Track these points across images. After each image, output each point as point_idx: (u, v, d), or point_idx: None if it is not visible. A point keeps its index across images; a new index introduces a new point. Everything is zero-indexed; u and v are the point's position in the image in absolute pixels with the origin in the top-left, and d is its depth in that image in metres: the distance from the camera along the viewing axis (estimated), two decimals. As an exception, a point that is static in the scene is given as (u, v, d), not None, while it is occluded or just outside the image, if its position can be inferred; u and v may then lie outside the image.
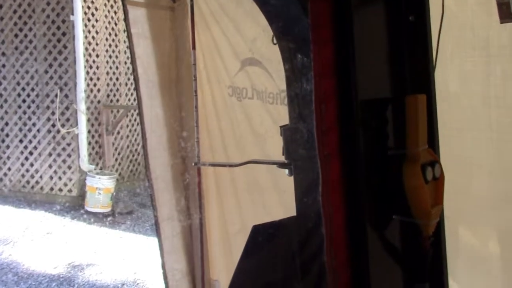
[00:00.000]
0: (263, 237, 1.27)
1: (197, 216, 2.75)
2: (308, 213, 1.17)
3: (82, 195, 7.91)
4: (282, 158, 1.43)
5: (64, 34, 7.81)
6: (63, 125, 7.90)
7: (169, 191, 3.38)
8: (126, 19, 3.12)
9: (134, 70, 3.21)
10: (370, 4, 1.25)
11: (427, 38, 1.34)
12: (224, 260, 3.27)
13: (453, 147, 1.86)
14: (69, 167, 7.99)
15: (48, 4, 7.84)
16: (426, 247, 1.21)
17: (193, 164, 2.47)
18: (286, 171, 1.28)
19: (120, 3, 7.72)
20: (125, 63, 8.72)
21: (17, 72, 8.15)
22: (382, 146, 1.26)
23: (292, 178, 1.26)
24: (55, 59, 7.89)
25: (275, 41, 2.94)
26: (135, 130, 9.00)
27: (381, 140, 1.24)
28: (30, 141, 8.17)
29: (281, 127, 1.25)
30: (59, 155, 8.01)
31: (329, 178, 1.16)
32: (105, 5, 8.42)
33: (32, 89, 8.08)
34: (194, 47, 2.60)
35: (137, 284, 5.92)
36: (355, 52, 1.20)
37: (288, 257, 1.37)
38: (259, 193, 2.95)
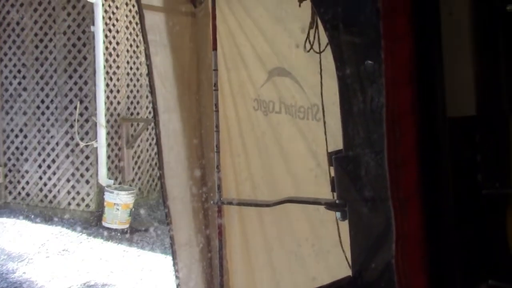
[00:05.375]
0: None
1: (217, 245, 2.42)
2: (370, 275, 0.83)
3: (100, 211, 7.66)
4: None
5: (84, 45, 7.63)
6: (82, 138, 7.69)
7: (187, 214, 3.06)
8: (142, 25, 2.84)
9: (151, 81, 2.93)
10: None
11: (531, 34, 0.98)
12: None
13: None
14: (87, 182, 7.75)
15: (69, 14, 7.68)
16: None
17: (212, 202, 2.11)
18: (338, 214, 0.95)
19: (141, 14, 7.51)
20: (147, 75, 8.49)
21: (37, 83, 7.99)
22: (477, 183, 0.90)
23: (344, 223, 0.93)
24: (75, 70, 7.71)
25: (307, 49, 2.63)
26: (156, 144, 8.74)
27: (475, 176, 0.89)
28: (49, 155, 7.97)
29: (330, 154, 0.92)
30: (77, 169, 7.79)
31: (405, 230, 0.82)
32: (127, 16, 8.23)
33: (52, 101, 7.90)
34: (215, 48, 2.26)
35: (154, 307, 5.62)
36: (441, 51, 0.86)
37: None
38: (291, 235, 2.57)
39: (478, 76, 0.94)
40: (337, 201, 0.93)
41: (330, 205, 1.01)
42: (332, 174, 0.96)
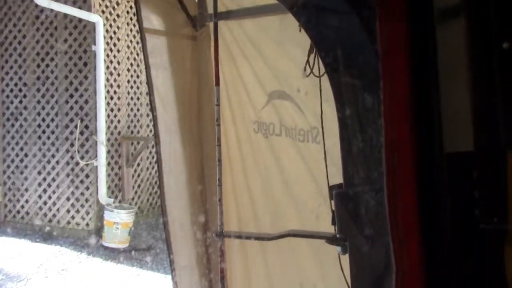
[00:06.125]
0: None
1: (218, 271, 2.41)
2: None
3: (99, 230, 7.64)
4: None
5: (85, 64, 7.68)
6: (82, 157, 7.70)
7: (187, 236, 3.06)
8: (143, 48, 2.87)
9: (152, 103, 2.95)
10: (456, 28, 0.93)
11: (527, 71, 1.00)
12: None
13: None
14: (87, 200, 7.75)
15: (70, 34, 7.75)
16: None
17: (214, 235, 2.11)
18: (338, 248, 0.96)
19: (142, 33, 7.54)
20: (147, 94, 8.52)
21: (38, 102, 8.03)
22: (475, 218, 0.91)
23: (345, 256, 0.94)
24: (76, 89, 7.75)
25: (307, 73, 2.66)
26: (156, 162, 8.74)
27: (473, 211, 0.90)
28: (49, 173, 7.98)
29: (331, 188, 0.93)
30: (77, 187, 7.79)
31: (405, 269, 0.82)
32: (128, 35, 8.30)
33: (52, 120, 7.93)
34: (218, 83, 2.25)
35: (153, 328, 5.57)
36: (439, 89, 0.88)
37: None
38: (294, 266, 2.55)
39: (475, 112, 0.96)
40: (337, 235, 0.95)
41: (330, 240, 1.01)
42: (333, 207, 0.97)
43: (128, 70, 8.33)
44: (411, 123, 0.86)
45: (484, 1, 0.96)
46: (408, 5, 0.84)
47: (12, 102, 8.21)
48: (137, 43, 8.37)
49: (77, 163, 7.73)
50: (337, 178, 1.13)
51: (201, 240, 2.84)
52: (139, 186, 8.50)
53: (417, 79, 0.87)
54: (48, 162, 7.98)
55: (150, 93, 2.94)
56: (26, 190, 8.15)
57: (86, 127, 7.70)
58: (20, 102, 8.15)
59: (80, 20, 7.57)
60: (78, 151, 7.70)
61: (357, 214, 0.86)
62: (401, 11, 0.84)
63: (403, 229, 0.78)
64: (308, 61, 2.50)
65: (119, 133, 8.09)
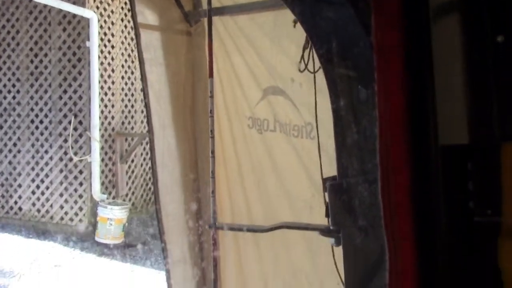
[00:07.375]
0: None
1: (211, 265, 2.41)
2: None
3: (93, 226, 7.61)
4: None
5: (79, 60, 7.64)
6: (76, 153, 7.67)
7: (181, 231, 3.06)
8: (138, 44, 2.86)
9: (146, 98, 2.94)
10: (450, 22, 0.93)
11: (521, 64, 1.00)
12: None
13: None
14: (81, 196, 7.72)
15: (64, 30, 7.70)
16: None
17: (207, 227, 2.11)
18: (332, 240, 0.96)
19: (137, 29, 7.50)
20: (141, 90, 8.50)
21: (31, 98, 7.99)
22: (469, 210, 0.91)
23: (339, 248, 0.94)
24: (69, 85, 7.71)
25: (301, 68, 2.65)
26: (150, 158, 8.72)
27: (468, 203, 0.90)
28: (42, 169, 7.94)
29: (325, 180, 0.93)
30: (70, 183, 7.76)
31: (399, 266, 0.82)
32: (122, 31, 8.27)
33: (46, 116, 7.90)
34: (211, 75, 2.25)
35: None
36: (434, 82, 0.88)
37: None
38: (288, 258, 2.55)
39: (470, 105, 0.96)
40: (331, 227, 0.95)
41: (324, 231, 1.01)
42: (327, 199, 0.97)
43: (123, 66, 8.29)
44: (406, 115, 0.86)
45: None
46: (403, -2, 0.84)
47: (5, 98, 8.16)
48: (132, 39, 8.33)
49: (71, 159, 7.70)
50: (331, 172, 1.13)
51: (194, 230, 2.83)
52: (133, 182, 8.48)
53: (412, 71, 0.87)
54: (42, 158, 7.94)
55: (144, 88, 2.93)
56: (19, 186, 8.11)
57: (80, 123, 7.67)
58: (14, 97, 8.11)
59: (74, 15, 7.53)
60: (72, 147, 7.67)
61: (351, 205, 0.86)
62: (397, 4, 0.84)
63: (398, 221, 0.78)
64: (302, 57, 2.50)
65: (113, 129, 8.06)
